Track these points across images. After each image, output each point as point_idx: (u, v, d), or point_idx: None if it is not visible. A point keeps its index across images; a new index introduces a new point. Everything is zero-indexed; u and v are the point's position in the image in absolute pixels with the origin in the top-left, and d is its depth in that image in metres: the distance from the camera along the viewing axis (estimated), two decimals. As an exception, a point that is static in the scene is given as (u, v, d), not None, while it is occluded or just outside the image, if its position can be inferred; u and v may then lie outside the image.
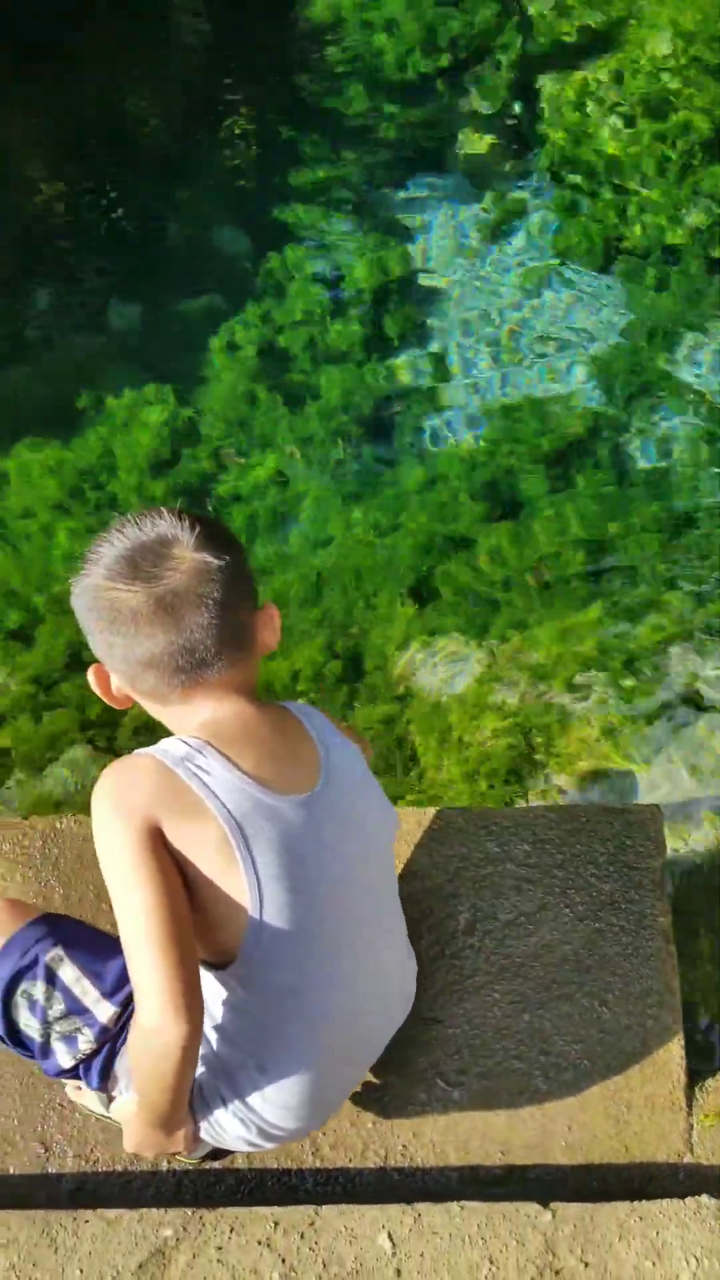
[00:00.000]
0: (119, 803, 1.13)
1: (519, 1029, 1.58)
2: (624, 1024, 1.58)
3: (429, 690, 2.80)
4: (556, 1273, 1.30)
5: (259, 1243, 1.35)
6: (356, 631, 2.96)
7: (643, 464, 3.30)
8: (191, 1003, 1.09)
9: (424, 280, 3.73)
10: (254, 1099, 1.25)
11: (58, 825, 1.84)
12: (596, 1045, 1.57)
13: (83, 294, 3.76)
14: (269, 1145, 1.32)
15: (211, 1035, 1.27)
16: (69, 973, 1.30)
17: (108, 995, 1.29)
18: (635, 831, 1.72)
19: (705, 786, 2.38)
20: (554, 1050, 1.57)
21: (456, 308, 3.68)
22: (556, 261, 3.66)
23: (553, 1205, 1.35)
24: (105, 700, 1.25)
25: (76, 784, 2.59)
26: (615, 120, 3.57)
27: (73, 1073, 1.33)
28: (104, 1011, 1.29)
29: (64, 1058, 1.30)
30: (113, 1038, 1.30)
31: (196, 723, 1.21)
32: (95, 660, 1.24)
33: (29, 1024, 1.31)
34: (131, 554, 1.17)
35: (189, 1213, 1.37)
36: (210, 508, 3.37)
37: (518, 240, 3.73)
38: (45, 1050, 1.32)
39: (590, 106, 3.63)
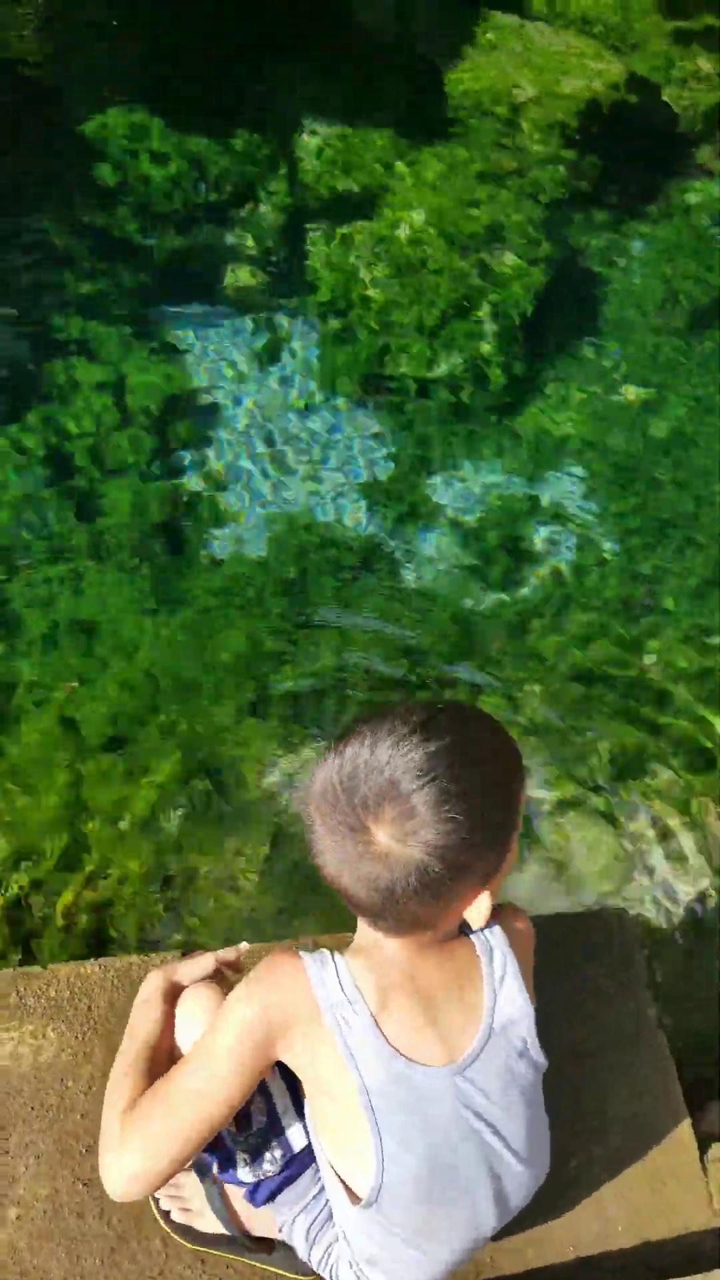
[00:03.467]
0: (260, 994, 1.20)
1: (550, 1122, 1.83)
2: (633, 1109, 1.86)
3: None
4: None
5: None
6: (207, 748, 3.06)
7: (412, 578, 3.74)
8: (153, 1189, 1.21)
9: (203, 397, 3.93)
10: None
11: (83, 971, 1.83)
12: (619, 1128, 1.79)
13: None
14: None
15: (341, 1225, 1.34)
16: (276, 1086, 1.37)
17: (302, 1118, 1.36)
18: (612, 931, 2.05)
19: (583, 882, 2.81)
20: (588, 1138, 1.77)
21: (235, 425, 3.93)
22: (324, 389, 4.03)
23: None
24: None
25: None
26: (376, 272, 4.03)
27: (249, 1190, 1.40)
28: (297, 1138, 1.37)
29: (245, 1173, 1.37)
30: (296, 1165, 1.38)
31: (368, 944, 1.24)
32: None
33: (228, 1130, 1.35)
34: (353, 793, 1.12)
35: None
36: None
37: (288, 366, 4.06)
38: (228, 1161, 1.39)
39: (353, 257, 4.06)
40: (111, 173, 4.02)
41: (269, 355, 4.06)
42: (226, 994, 1.26)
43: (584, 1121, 1.79)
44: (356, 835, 1.12)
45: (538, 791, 3.08)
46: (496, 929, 1.31)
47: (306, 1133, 1.38)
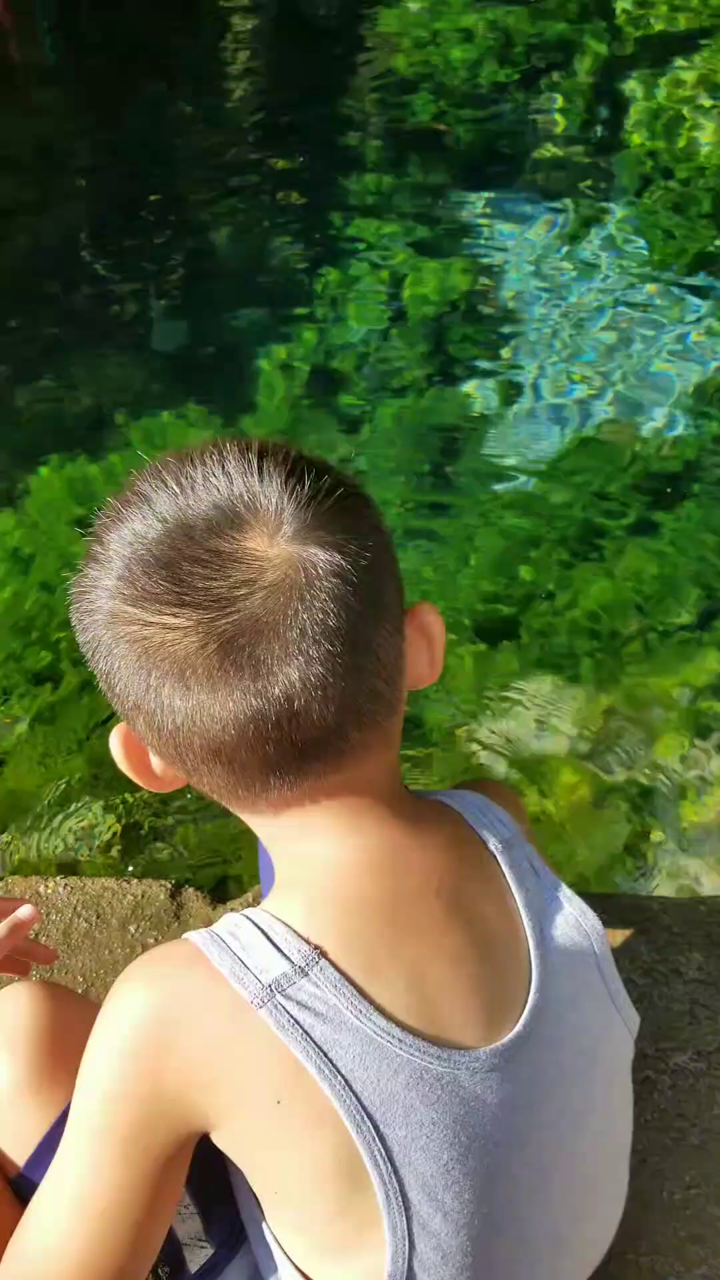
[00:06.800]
0: (129, 1018, 0.68)
1: (703, 1228, 1.09)
2: None
3: (508, 746, 2.34)
4: None
5: None
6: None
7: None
8: None
9: (494, 299, 3.37)
10: None
11: (41, 890, 1.39)
12: None
13: (125, 307, 3.44)
14: None
15: None
16: None
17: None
18: None
19: None
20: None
21: (531, 329, 3.31)
22: (643, 278, 3.29)
23: None
24: (140, 782, 0.76)
25: (86, 847, 2.14)
26: (707, 122, 3.22)
27: None
28: (200, 1252, 0.83)
29: None
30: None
31: (299, 865, 0.73)
32: (115, 715, 0.75)
33: None
34: (173, 550, 0.66)
35: None
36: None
37: (600, 255, 3.38)
38: None
39: (680, 109, 3.28)
40: (407, 62, 3.61)
41: (578, 240, 3.41)
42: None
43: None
44: (218, 588, 0.65)
45: None
46: (479, 797, 0.81)
47: (213, 1236, 0.84)
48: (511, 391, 3.17)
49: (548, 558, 2.81)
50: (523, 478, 3.01)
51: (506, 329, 3.31)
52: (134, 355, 3.37)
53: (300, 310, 3.38)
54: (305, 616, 0.64)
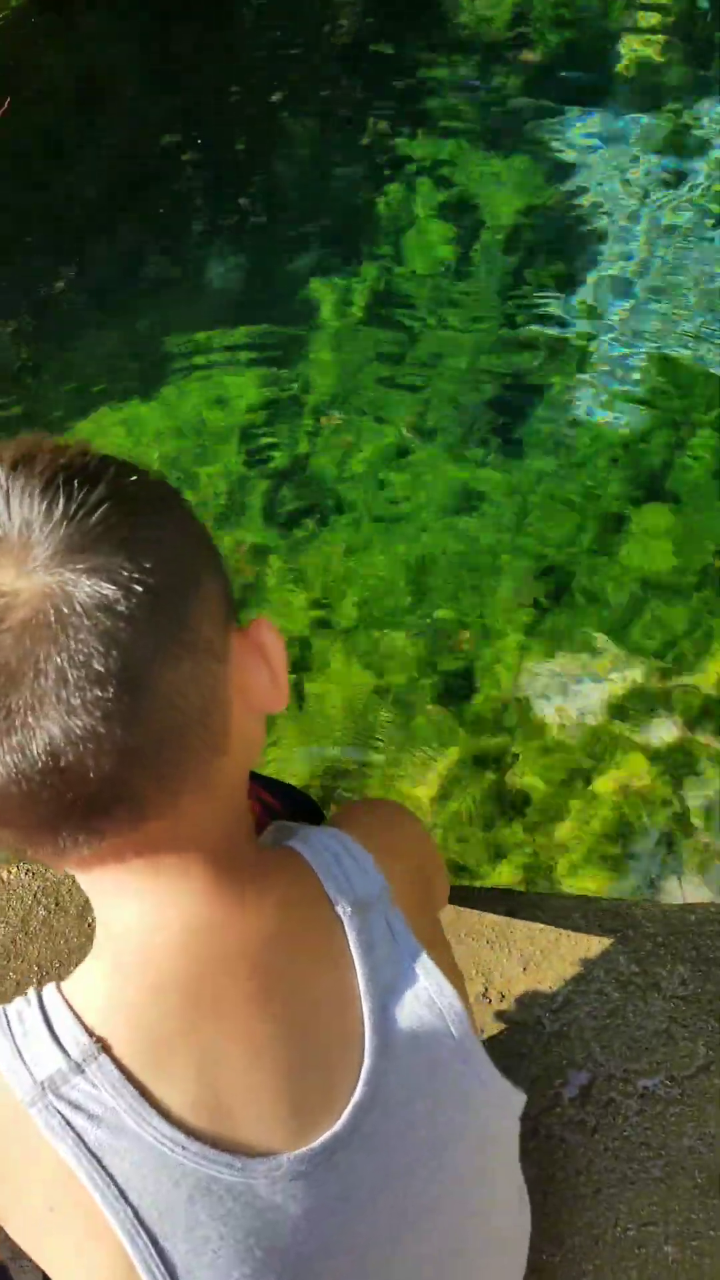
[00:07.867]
0: None
1: (657, 1269, 0.98)
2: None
3: (550, 718, 2.20)
4: None
5: None
6: (465, 635, 2.40)
7: None
8: None
9: (577, 220, 3.13)
10: None
11: (3, 876, 1.34)
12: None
13: (182, 244, 3.33)
14: None
15: None
16: None
17: None
18: None
19: None
20: None
21: (617, 254, 3.07)
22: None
23: None
24: None
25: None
26: None
27: None
28: None
29: None
30: None
31: (109, 935, 0.64)
32: None
33: None
34: None
35: None
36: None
37: (696, 171, 3.10)
38: None
39: None
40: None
41: (671, 157, 3.13)
42: None
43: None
44: None
45: None
46: (339, 843, 0.68)
47: None
48: (592, 329, 2.95)
49: (618, 510, 2.63)
50: (599, 417, 2.82)
51: (590, 256, 3.07)
52: (189, 293, 3.27)
53: (362, 239, 3.20)
54: (62, 659, 0.53)
